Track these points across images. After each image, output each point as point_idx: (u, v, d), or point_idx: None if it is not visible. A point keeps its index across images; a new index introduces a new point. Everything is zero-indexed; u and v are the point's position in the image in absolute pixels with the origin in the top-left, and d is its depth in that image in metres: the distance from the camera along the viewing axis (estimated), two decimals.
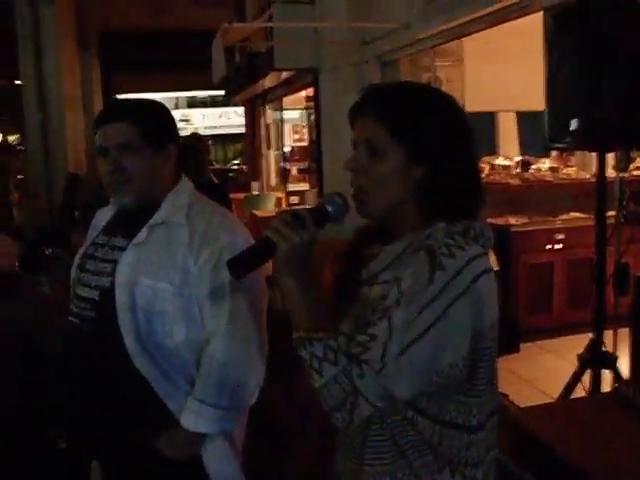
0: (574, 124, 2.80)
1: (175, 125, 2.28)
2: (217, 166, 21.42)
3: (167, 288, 2.06)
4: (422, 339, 1.28)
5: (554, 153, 7.58)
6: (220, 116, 26.68)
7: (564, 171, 7.41)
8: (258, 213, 9.35)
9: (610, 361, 3.16)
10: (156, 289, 2.07)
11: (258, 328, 2.15)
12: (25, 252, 4.82)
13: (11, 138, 23.37)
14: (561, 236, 5.97)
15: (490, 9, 4.31)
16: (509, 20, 4.32)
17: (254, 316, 2.13)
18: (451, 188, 1.42)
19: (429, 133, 1.40)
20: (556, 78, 2.86)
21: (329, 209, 1.44)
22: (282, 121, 13.13)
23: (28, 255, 5.02)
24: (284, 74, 9.71)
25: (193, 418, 2.08)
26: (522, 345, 5.40)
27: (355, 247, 1.60)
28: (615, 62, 2.74)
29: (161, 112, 2.24)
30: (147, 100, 2.28)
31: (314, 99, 9.03)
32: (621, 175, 3.49)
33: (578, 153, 7.23)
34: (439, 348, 1.30)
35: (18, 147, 18.19)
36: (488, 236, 1.42)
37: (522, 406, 3.92)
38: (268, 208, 10.59)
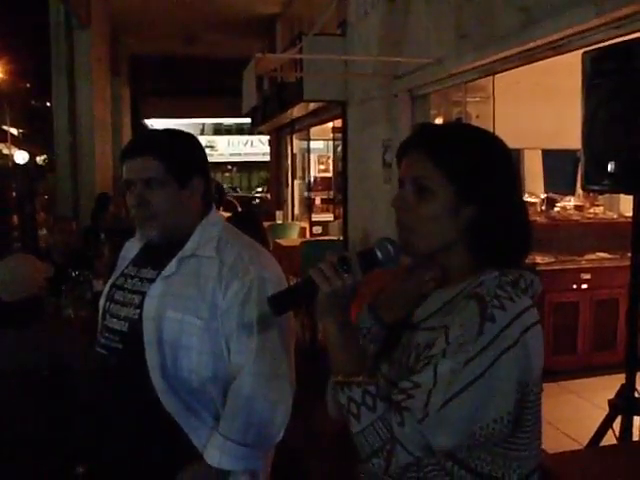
0: (612, 166, 2.77)
1: (203, 157, 2.25)
2: (241, 193, 21.60)
3: (194, 322, 2.04)
4: (467, 391, 1.25)
5: (580, 191, 7.54)
6: (245, 144, 26.91)
7: (591, 210, 7.36)
8: (282, 242, 9.37)
9: None
10: (183, 322, 2.05)
11: (286, 364, 2.12)
12: (52, 274, 4.84)
13: (39, 159, 23.69)
14: (587, 276, 5.92)
15: (523, 47, 4.31)
16: (542, 59, 4.32)
17: (282, 352, 2.10)
18: (501, 230, 1.39)
19: (480, 172, 1.39)
20: (594, 120, 2.84)
21: (378, 254, 1.40)
22: (309, 151, 13.18)
23: (55, 277, 5.04)
24: (312, 105, 9.76)
25: (217, 454, 2.04)
26: (545, 385, 5.32)
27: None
28: None
29: (188, 145, 2.22)
30: (174, 132, 2.26)
31: (342, 131, 9.07)
32: None
33: None
34: (484, 401, 1.26)
35: (46, 168, 18.43)
36: (537, 287, 1.39)
37: (543, 447, 3.85)
38: (292, 237, 10.60)
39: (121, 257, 2.37)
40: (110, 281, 2.33)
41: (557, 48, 4.12)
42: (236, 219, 5.43)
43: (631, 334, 3.08)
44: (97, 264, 5.22)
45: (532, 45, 4.22)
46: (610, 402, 3.12)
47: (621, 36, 3.49)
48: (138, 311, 2.12)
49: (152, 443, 2.10)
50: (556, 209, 7.66)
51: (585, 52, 2.88)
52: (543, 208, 7.83)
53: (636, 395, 3.11)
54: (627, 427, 3.02)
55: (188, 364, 2.07)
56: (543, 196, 8.36)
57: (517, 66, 4.71)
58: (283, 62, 8.26)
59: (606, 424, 3.06)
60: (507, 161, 1.44)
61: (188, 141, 2.24)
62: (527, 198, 8.22)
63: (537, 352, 1.32)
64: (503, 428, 1.29)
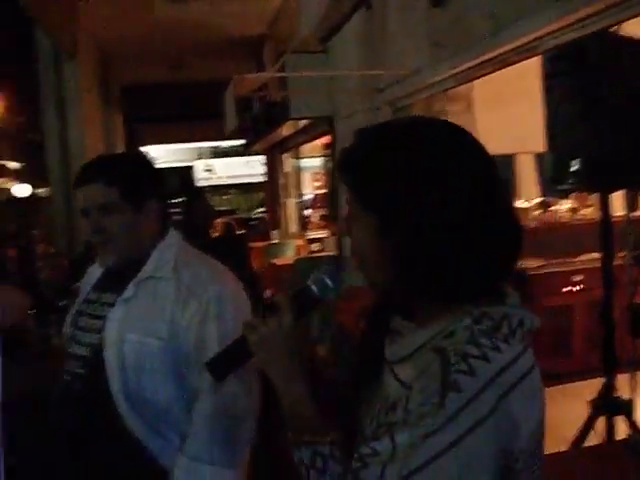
0: (575, 165, 2.77)
1: (158, 179, 2.26)
2: (242, 215, 21.66)
3: (154, 343, 2.04)
4: (426, 470, 1.05)
5: (573, 193, 7.52)
6: (243, 165, 26.92)
7: (582, 212, 7.34)
8: (277, 261, 9.37)
9: (624, 407, 3.06)
10: (144, 345, 2.05)
11: (248, 381, 2.11)
12: (40, 307, 4.86)
13: (40, 191, 23.79)
14: (579, 277, 5.89)
15: (494, 53, 4.31)
16: (512, 64, 4.32)
17: (244, 369, 2.10)
18: (441, 261, 1.14)
19: (398, 198, 1.15)
20: (556, 119, 2.85)
21: (314, 289, 1.29)
22: (300, 169, 13.21)
23: (43, 309, 5.06)
24: (301, 122, 9.79)
25: (183, 475, 2.04)
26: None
27: (378, 315, 1.35)
28: (615, 101, 2.73)
29: (140, 168, 2.22)
30: (126, 156, 2.28)
31: (331, 147, 9.06)
32: (630, 215, 3.44)
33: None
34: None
35: (44, 200, 18.52)
36: (530, 325, 1.15)
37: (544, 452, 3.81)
38: (288, 256, 10.59)
39: (84, 283, 2.38)
40: (74, 308, 2.34)
41: (528, 51, 4.12)
42: (220, 243, 5.47)
43: (607, 334, 3.06)
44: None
45: (502, 50, 4.23)
46: (592, 402, 3.10)
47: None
48: (99, 336, 2.13)
49: (120, 467, 2.10)
50: (549, 212, 7.66)
51: (543, 52, 2.90)
52: (537, 212, 7.83)
53: (617, 395, 3.10)
54: (610, 427, 2.99)
55: (151, 386, 2.07)
56: (537, 200, 8.35)
57: (492, 72, 4.72)
58: (268, 81, 8.28)
59: (588, 424, 3.04)
60: (456, 168, 1.17)
61: (141, 164, 2.25)
62: (521, 204, 8.22)
63: (526, 413, 1.10)
64: None
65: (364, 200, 1.19)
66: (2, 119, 19.59)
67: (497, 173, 1.22)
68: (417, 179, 1.14)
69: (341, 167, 1.25)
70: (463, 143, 1.22)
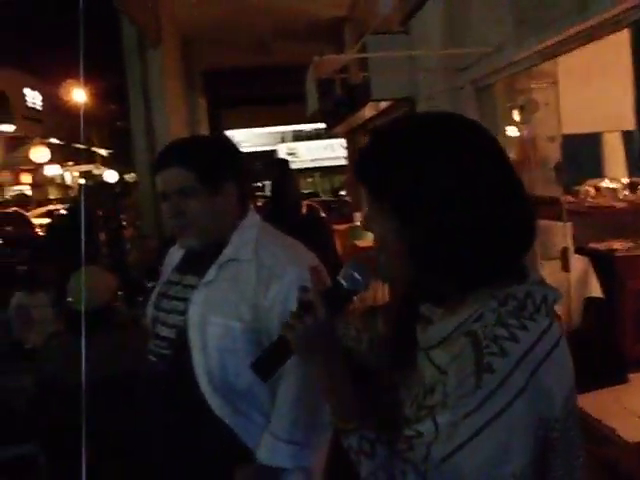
0: None
1: (235, 160, 2.28)
2: (324, 197, 21.80)
3: (237, 326, 2.08)
4: (469, 446, 1.11)
5: None
6: (325, 148, 27.04)
7: None
8: (359, 243, 9.35)
9: None
10: (226, 327, 2.09)
11: None
12: (128, 288, 5.00)
13: (128, 177, 24.56)
14: None
15: (578, 28, 4.16)
16: (601, 37, 4.15)
17: None
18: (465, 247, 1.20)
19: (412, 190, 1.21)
20: None
21: (344, 284, 1.37)
22: None
23: (132, 290, 5.20)
24: (383, 104, 9.70)
25: (268, 453, 2.08)
26: (630, 375, 5.15)
27: (408, 303, 1.42)
28: None
29: (217, 151, 2.24)
30: (204, 139, 2.30)
31: None
32: None
33: None
34: (493, 456, 1.12)
35: (132, 185, 19.03)
36: (552, 300, 1.22)
37: (630, 441, 3.72)
38: (370, 238, 10.52)
39: (165, 264, 2.44)
40: (156, 289, 2.39)
41: (615, 24, 3.95)
42: (304, 225, 5.48)
43: None
44: None
45: (589, 24, 4.06)
46: None
47: None
48: (183, 318, 2.17)
49: (204, 446, 2.14)
50: (638, 193, 7.41)
51: (631, 23, 2.77)
52: (626, 193, 7.58)
53: None
54: None
55: (234, 367, 2.11)
56: (625, 180, 8.08)
57: (577, 47, 4.54)
58: (348, 63, 8.23)
59: None
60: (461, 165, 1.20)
61: (218, 147, 2.27)
62: (608, 184, 7.97)
63: (558, 383, 1.17)
64: None
65: (383, 200, 1.25)
66: (93, 108, 20.21)
67: (515, 171, 1.25)
68: (440, 181, 1.19)
69: (359, 168, 1.30)
70: (484, 143, 1.25)
